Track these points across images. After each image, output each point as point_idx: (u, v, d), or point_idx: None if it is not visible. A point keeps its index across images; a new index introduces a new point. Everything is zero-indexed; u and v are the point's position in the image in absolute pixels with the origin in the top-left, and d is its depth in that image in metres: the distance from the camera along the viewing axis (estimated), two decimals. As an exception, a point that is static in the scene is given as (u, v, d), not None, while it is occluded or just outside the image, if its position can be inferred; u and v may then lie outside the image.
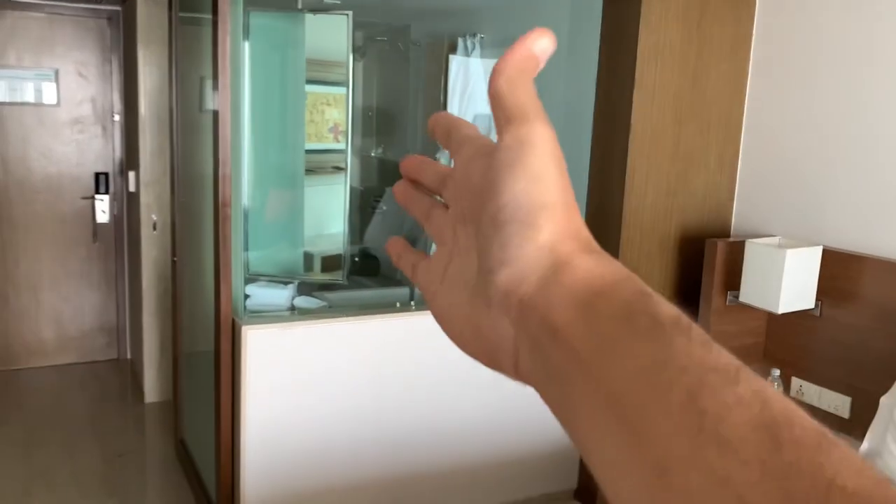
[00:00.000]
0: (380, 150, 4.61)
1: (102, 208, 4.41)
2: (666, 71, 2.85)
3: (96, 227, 4.54)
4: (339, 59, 2.93)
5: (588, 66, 2.97)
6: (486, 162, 0.36)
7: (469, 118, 3.60)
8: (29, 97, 4.38)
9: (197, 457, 3.24)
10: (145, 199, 4.02)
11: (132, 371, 4.57)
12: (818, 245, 2.62)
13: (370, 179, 4.64)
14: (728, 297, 2.77)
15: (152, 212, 4.02)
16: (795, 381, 2.75)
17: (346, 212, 3.13)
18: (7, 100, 4.34)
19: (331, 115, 3.02)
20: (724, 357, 0.27)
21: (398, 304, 2.93)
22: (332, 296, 3.05)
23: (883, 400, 2.24)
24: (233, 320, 2.60)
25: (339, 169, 3.13)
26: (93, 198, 4.40)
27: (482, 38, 3.55)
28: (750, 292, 2.64)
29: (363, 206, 4.46)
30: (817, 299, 2.62)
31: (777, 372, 2.60)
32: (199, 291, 3.01)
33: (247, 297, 2.76)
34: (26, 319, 4.53)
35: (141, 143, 3.97)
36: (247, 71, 2.74)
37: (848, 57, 2.64)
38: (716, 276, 2.77)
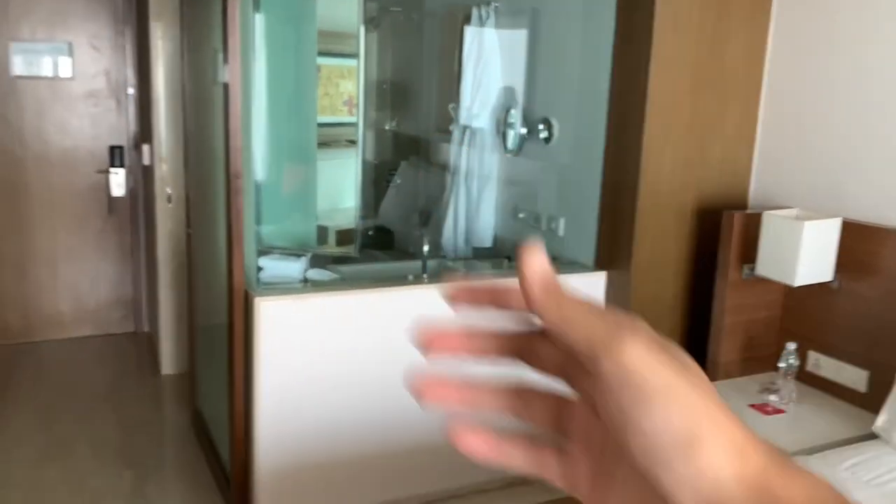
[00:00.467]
0: (394, 124, 4.57)
1: (118, 182, 4.41)
2: (683, 38, 2.79)
3: (111, 201, 4.55)
4: (350, 31, 2.90)
5: (604, 34, 2.92)
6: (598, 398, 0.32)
7: (483, 89, 3.56)
8: (46, 71, 4.37)
9: (212, 428, 3.27)
10: (160, 172, 4.02)
11: (149, 343, 4.61)
12: (837, 217, 2.58)
13: (385, 153, 4.61)
14: (744, 269, 2.74)
15: (167, 185, 4.02)
16: (812, 355, 2.72)
17: (358, 185, 3.11)
18: (24, 73, 4.33)
19: (345, 88, 3.00)
20: None
21: (410, 277, 2.92)
22: (345, 268, 3.05)
23: (902, 374, 2.21)
24: (246, 292, 2.61)
25: (352, 142, 3.11)
26: (108, 171, 4.40)
27: (496, 6, 3.50)
28: (767, 265, 2.60)
29: (377, 180, 4.44)
30: (836, 272, 2.58)
31: (793, 346, 2.57)
32: (214, 264, 3.01)
33: (260, 269, 2.76)
34: (45, 292, 4.57)
35: (154, 117, 3.96)
36: (258, 43, 2.71)
37: (871, 24, 2.57)
38: (732, 248, 2.73)
